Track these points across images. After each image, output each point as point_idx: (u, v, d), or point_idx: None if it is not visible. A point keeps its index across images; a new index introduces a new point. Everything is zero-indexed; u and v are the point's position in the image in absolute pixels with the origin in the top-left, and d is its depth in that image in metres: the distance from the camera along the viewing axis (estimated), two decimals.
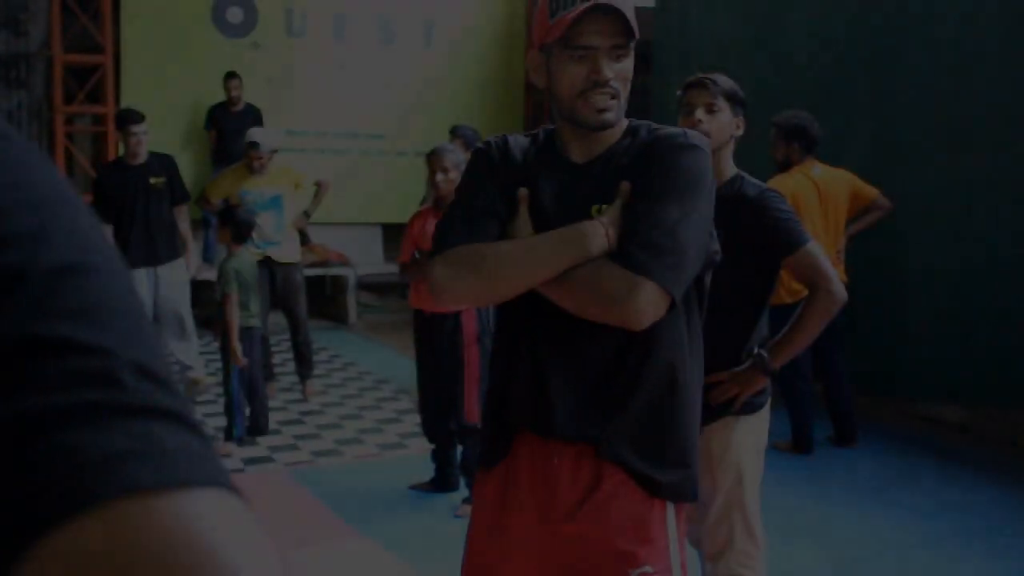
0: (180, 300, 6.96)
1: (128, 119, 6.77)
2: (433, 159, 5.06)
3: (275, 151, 7.19)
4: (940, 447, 6.20)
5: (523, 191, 2.17)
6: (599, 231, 2.06)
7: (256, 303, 6.14)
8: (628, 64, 2.13)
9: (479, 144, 2.33)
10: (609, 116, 2.12)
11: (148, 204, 6.80)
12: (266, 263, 6.97)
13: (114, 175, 6.86)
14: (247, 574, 0.43)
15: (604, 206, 2.13)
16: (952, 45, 6.38)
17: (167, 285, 6.88)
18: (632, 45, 2.12)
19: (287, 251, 7.16)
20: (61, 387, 0.46)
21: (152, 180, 6.83)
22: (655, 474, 2.19)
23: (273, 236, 7.03)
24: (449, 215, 2.22)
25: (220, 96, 9.68)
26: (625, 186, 2.11)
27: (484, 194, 2.19)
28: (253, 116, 9.61)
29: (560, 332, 2.16)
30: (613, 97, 2.11)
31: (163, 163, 6.98)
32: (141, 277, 6.73)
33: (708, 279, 2.27)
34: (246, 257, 6.16)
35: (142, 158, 6.82)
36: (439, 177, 5.01)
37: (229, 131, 9.58)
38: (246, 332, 6.04)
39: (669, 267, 2.01)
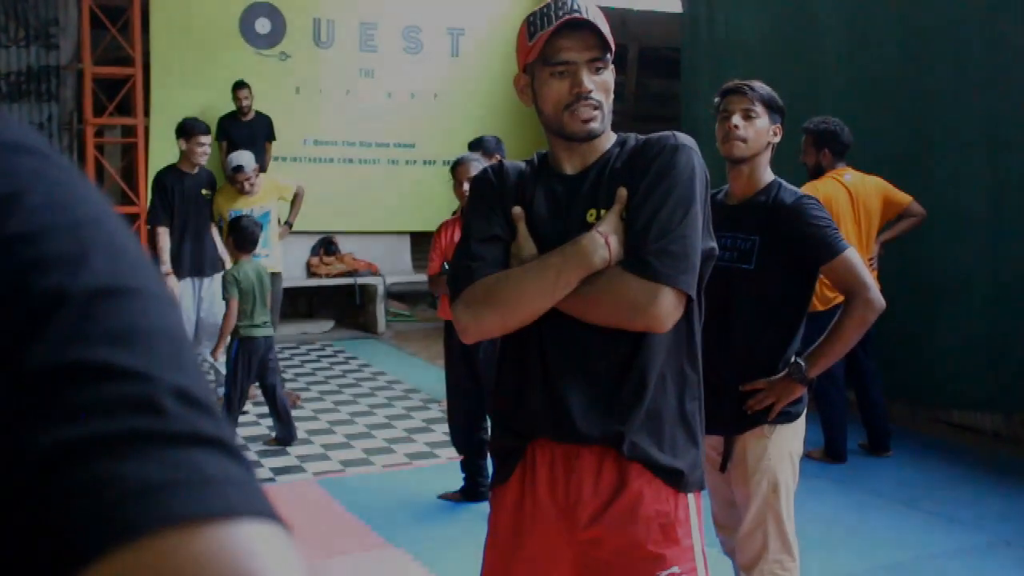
0: (221, 314, 7.02)
1: (198, 129, 6.97)
2: (460, 169, 5.08)
3: (262, 169, 7.31)
4: (975, 455, 6.12)
5: (517, 209, 2.25)
6: (599, 241, 2.13)
7: (262, 313, 6.18)
8: (608, 76, 2.21)
9: (477, 174, 2.43)
10: (595, 126, 2.20)
11: (200, 215, 7.00)
12: None
13: (175, 180, 7.02)
14: None
15: (601, 211, 2.19)
16: (982, 46, 6.31)
17: (211, 298, 7.00)
18: (609, 58, 2.20)
19: (272, 262, 7.24)
20: (101, 414, 0.45)
21: (204, 191, 7.01)
22: (678, 463, 2.22)
23: (261, 251, 7.07)
24: (458, 254, 2.29)
25: (253, 105, 9.71)
26: (622, 193, 2.17)
27: (486, 222, 2.27)
28: (264, 125, 9.64)
29: (568, 336, 2.20)
30: (596, 108, 2.19)
31: (210, 178, 7.17)
32: (187, 287, 6.89)
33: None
34: (247, 266, 6.21)
35: (199, 169, 7.02)
36: (466, 187, 5.00)
37: (241, 141, 9.59)
38: (247, 341, 6.07)
39: (683, 271, 2.10)
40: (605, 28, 2.18)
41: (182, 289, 6.97)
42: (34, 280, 0.47)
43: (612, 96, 2.24)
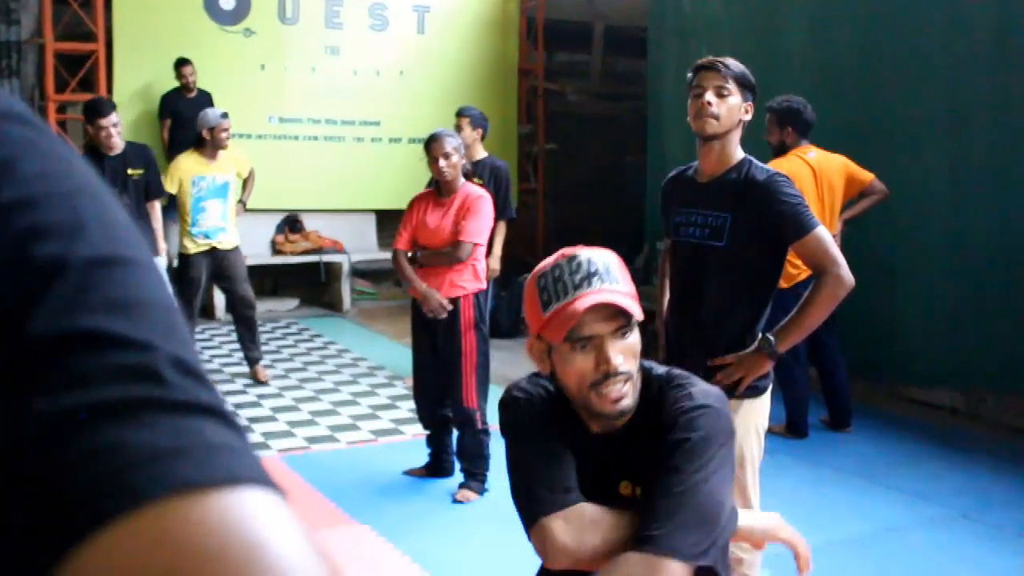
0: None
1: (94, 111, 6.50)
2: (434, 146, 5.01)
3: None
4: (934, 430, 6.21)
5: None
6: None
7: None
8: (634, 338, 2.01)
9: (507, 397, 2.19)
10: (626, 404, 2.00)
11: (126, 197, 6.52)
12: (210, 252, 7.01)
13: (91, 163, 6.62)
14: (299, 573, 0.43)
15: (636, 488, 2.06)
16: (944, 27, 6.37)
17: None
18: (635, 321, 2.01)
19: (231, 236, 7.15)
20: (103, 382, 0.45)
21: (130, 172, 6.59)
22: None
23: (219, 223, 7.04)
24: (531, 470, 2.05)
25: (215, 83, 9.64)
26: None
27: (559, 471, 2.04)
28: (209, 102, 9.57)
29: None
30: (627, 381, 1.99)
31: (141, 154, 6.75)
32: None
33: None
34: None
35: (119, 149, 6.57)
36: (442, 163, 4.98)
37: (185, 119, 9.51)
38: None
39: (693, 543, 1.86)
40: (627, 300, 1.98)
41: None
42: (32, 248, 0.47)
43: (639, 357, 2.03)
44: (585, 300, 1.94)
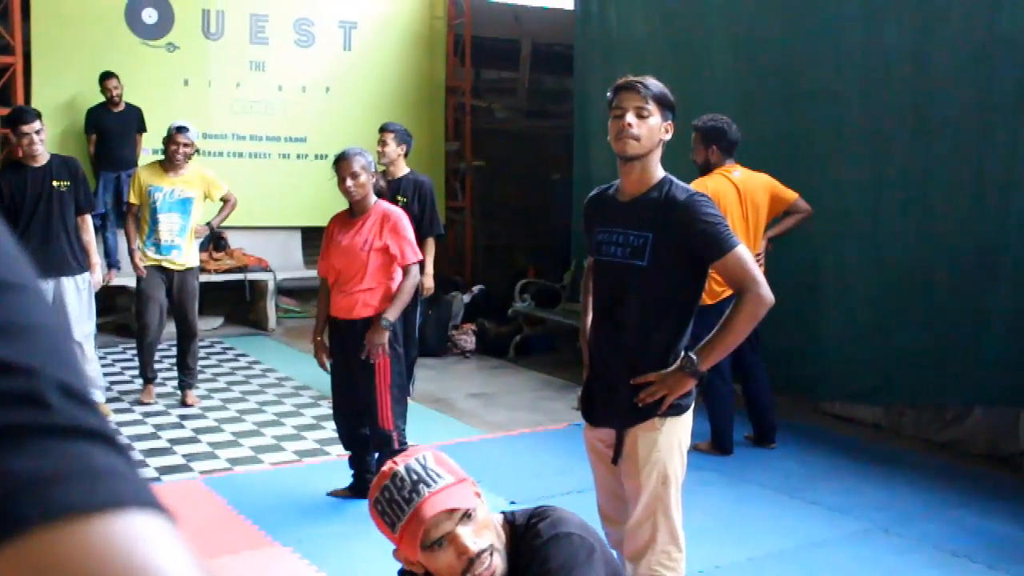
0: (80, 324, 6.48)
1: (16, 119, 6.33)
2: (342, 164, 4.97)
3: (196, 150, 7.04)
4: (856, 446, 6.29)
5: None
6: None
7: None
8: (482, 513, 2.15)
9: None
10: (498, 572, 2.13)
11: (50, 209, 6.33)
12: (162, 269, 6.87)
13: (12, 175, 6.36)
14: None
15: None
16: (863, 48, 6.50)
17: (69, 305, 6.40)
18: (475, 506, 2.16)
19: (186, 256, 6.97)
20: None
21: (55, 183, 6.37)
22: None
23: (174, 240, 6.87)
24: None
25: (138, 98, 9.50)
26: None
27: None
28: (136, 116, 9.46)
29: None
30: (492, 553, 2.12)
31: (67, 166, 6.51)
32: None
33: None
34: None
35: (42, 159, 6.36)
36: (349, 183, 4.94)
37: (111, 134, 9.37)
38: None
39: None
40: (455, 483, 2.14)
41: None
42: None
43: (491, 523, 2.19)
44: (422, 511, 2.08)
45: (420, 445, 2.32)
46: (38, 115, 6.39)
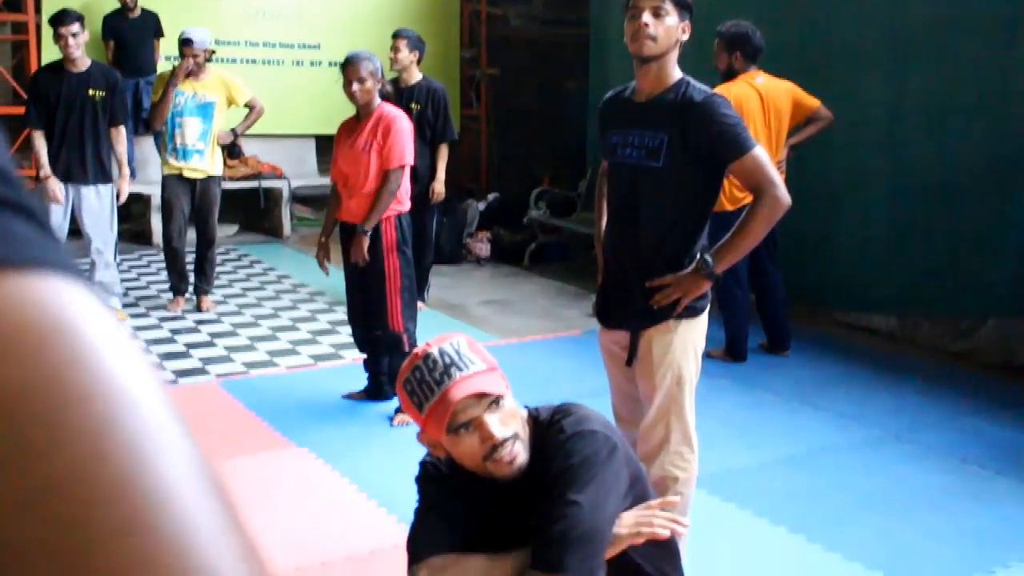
0: (102, 231, 6.55)
1: (55, 19, 6.33)
2: (348, 69, 4.96)
3: (212, 53, 6.97)
4: (870, 354, 6.30)
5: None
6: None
7: None
8: (508, 402, 2.19)
9: (420, 464, 2.37)
10: (520, 461, 2.17)
11: (83, 116, 6.38)
12: (184, 179, 6.85)
13: (51, 79, 6.40)
14: (111, 360, 0.39)
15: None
16: None
17: (89, 212, 6.49)
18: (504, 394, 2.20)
19: (208, 162, 6.92)
20: None
21: (91, 91, 6.39)
22: None
23: (196, 144, 6.82)
24: (413, 530, 2.26)
25: (154, 2, 9.39)
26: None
27: (438, 509, 2.27)
28: (152, 21, 9.35)
29: None
30: (515, 441, 2.15)
31: (106, 76, 6.53)
32: (63, 192, 6.41)
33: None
34: None
35: (81, 65, 6.38)
36: (355, 87, 4.93)
37: (128, 40, 9.28)
38: None
39: (580, 559, 2.08)
40: (487, 370, 2.18)
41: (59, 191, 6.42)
42: None
43: (517, 413, 2.22)
44: (452, 394, 2.11)
45: (448, 333, 2.29)
46: (78, 18, 6.36)
